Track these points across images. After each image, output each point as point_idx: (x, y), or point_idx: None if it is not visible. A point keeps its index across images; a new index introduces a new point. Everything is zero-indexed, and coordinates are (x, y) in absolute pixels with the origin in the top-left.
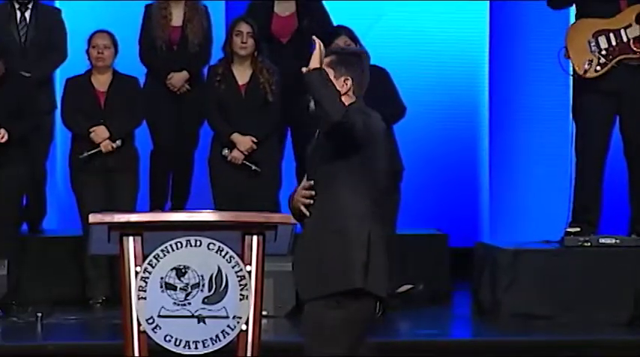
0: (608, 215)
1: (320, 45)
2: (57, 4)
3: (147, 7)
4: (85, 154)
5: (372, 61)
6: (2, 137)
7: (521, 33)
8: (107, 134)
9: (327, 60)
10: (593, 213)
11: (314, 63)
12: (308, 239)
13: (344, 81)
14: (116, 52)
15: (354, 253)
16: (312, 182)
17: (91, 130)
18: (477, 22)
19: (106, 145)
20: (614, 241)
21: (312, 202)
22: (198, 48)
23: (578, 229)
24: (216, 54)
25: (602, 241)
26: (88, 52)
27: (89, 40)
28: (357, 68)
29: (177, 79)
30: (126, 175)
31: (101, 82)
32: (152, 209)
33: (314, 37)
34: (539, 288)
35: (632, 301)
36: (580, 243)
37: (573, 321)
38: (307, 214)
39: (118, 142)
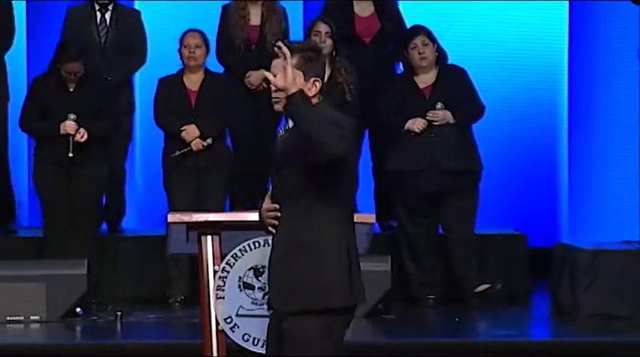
0: (621, 217)
1: (286, 54)
2: (136, 5)
3: (224, 7)
4: (177, 153)
5: (451, 61)
6: (82, 137)
7: (601, 32)
8: (198, 133)
9: (292, 62)
10: None
11: (288, 83)
12: (281, 252)
13: (313, 83)
14: (207, 51)
15: (336, 271)
16: (276, 205)
17: (181, 129)
18: (557, 21)
19: (197, 144)
20: None
21: (276, 223)
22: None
23: None
24: None
25: None
26: (179, 51)
27: (181, 40)
28: (321, 65)
29: (255, 77)
30: (216, 174)
31: (193, 81)
32: (232, 209)
33: (279, 43)
34: (619, 288)
35: None
36: None
37: None
38: (274, 231)
39: (209, 141)
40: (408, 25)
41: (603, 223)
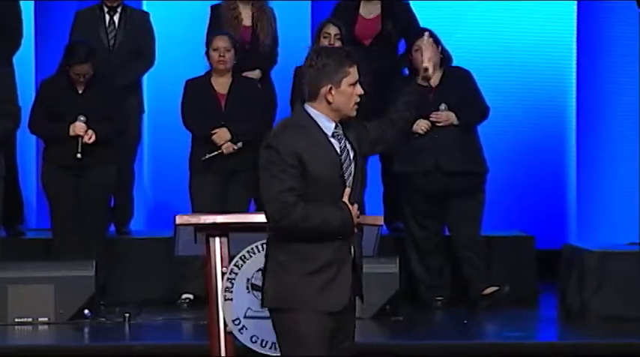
0: (622, 218)
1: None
2: (144, 6)
3: (213, 7)
4: (207, 156)
5: (459, 63)
6: (90, 138)
7: (609, 34)
8: (229, 136)
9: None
10: None
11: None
12: (360, 253)
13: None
14: (236, 54)
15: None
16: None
17: (212, 132)
18: (565, 23)
19: (228, 147)
20: None
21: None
22: (268, 48)
23: None
24: (300, 53)
25: None
26: (207, 54)
27: (209, 43)
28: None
29: (252, 77)
30: (243, 177)
31: (221, 84)
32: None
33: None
34: (627, 290)
35: None
36: None
37: None
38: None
39: (240, 144)
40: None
41: (611, 225)
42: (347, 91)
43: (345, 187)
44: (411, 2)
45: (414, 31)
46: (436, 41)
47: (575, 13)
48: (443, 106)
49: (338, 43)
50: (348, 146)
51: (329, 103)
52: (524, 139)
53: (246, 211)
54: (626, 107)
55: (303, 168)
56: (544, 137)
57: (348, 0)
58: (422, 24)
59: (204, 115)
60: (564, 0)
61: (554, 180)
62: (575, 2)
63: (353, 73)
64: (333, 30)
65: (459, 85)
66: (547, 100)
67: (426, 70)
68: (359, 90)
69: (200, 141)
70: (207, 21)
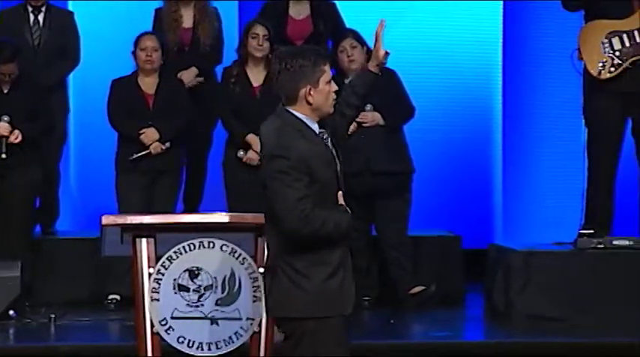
0: (621, 217)
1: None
2: (70, 5)
3: (157, 10)
4: (135, 156)
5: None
6: (16, 138)
7: (535, 33)
8: (157, 136)
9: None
10: (606, 215)
11: None
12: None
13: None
14: (162, 53)
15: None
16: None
17: (140, 132)
18: (491, 22)
19: (156, 147)
20: (627, 242)
21: None
22: (209, 49)
23: (591, 231)
24: (229, 54)
25: (615, 242)
26: (134, 54)
27: (136, 43)
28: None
29: (187, 75)
30: (170, 177)
31: (148, 84)
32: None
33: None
34: (552, 290)
35: None
36: (593, 245)
37: (586, 323)
38: None
39: (167, 144)
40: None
41: (537, 224)
42: (325, 89)
43: (338, 188)
44: (337, 3)
45: (339, 31)
46: (361, 41)
47: (501, 13)
48: (369, 107)
49: (266, 44)
50: (331, 146)
51: (309, 103)
52: (451, 138)
53: (173, 211)
54: (551, 107)
55: (311, 174)
56: (470, 137)
57: (277, 0)
58: (349, 24)
59: (131, 115)
60: (490, 0)
61: (481, 180)
62: (501, 2)
63: (327, 70)
64: (261, 30)
65: (384, 86)
66: (473, 100)
67: (387, 54)
68: (334, 86)
69: (127, 141)
70: (152, 23)
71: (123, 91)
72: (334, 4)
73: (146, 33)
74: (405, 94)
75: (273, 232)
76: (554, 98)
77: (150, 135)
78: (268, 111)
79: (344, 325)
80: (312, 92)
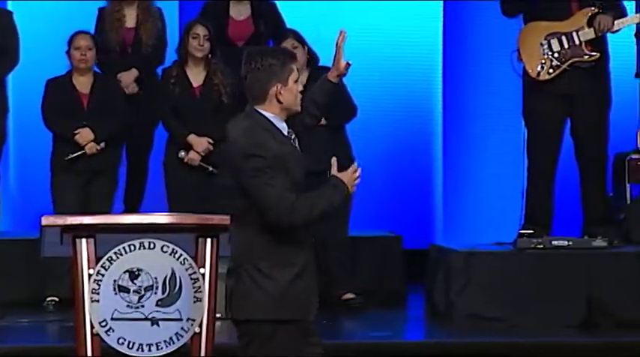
0: (560, 217)
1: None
2: (9, 5)
3: (100, 10)
4: (70, 156)
5: (325, 63)
6: None
7: (475, 33)
8: (92, 136)
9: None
10: (546, 215)
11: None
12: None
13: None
14: (96, 52)
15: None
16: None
17: (75, 132)
18: (431, 22)
19: (91, 148)
20: (566, 243)
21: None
22: (151, 49)
23: (531, 231)
24: (170, 55)
25: (554, 243)
26: (68, 53)
27: (70, 42)
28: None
29: (126, 77)
30: (106, 177)
31: (83, 83)
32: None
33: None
34: (493, 290)
35: (585, 302)
36: (532, 245)
37: (526, 323)
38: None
39: (102, 144)
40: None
41: (477, 225)
42: (294, 87)
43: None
44: (278, 2)
45: (280, 32)
46: (302, 42)
47: (442, 13)
48: None
49: (207, 44)
50: (297, 145)
51: (280, 102)
52: (391, 139)
53: (109, 211)
54: (492, 107)
55: (287, 173)
56: (411, 137)
57: (217, 0)
58: (290, 24)
59: (65, 115)
60: (430, 0)
61: (421, 180)
62: (442, 2)
63: (295, 69)
64: (201, 30)
65: None
66: (414, 100)
67: (348, 65)
68: (300, 85)
69: (62, 141)
70: (95, 23)
71: (57, 91)
72: (275, 5)
73: (80, 32)
74: (347, 94)
75: (239, 230)
76: (494, 98)
77: (84, 135)
78: (208, 111)
79: (304, 331)
80: (281, 91)
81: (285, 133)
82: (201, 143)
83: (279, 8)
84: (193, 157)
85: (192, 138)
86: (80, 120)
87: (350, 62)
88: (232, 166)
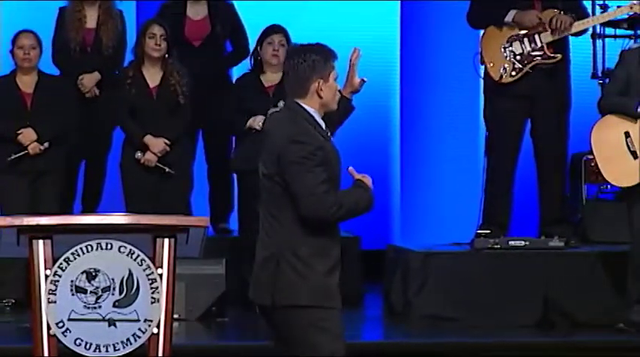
0: (519, 217)
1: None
2: None
3: (61, 9)
4: (13, 157)
5: None
6: None
7: (432, 33)
8: (35, 136)
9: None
10: (504, 215)
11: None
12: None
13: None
14: (41, 52)
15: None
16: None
17: (18, 132)
18: (388, 22)
19: (34, 148)
20: (523, 243)
21: None
22: (111, 51)
23: (488, 232)
24: (127, 56)
25: (511, 243)
26: (12, 52)
27: (14, 41)
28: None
29: (88, 79)
30: (52, 177)
31: (27, 83)
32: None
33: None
34: (450, 290)
35: (541, 302)
36: (490, 245)
37: (483, 323)
38: None
39: (46, 144)
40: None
41: (435, 225)
42: (333, 85)
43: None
44: (236, 3)
45: (238, 33)
46: (289, 43)
47: (399, 13)
48: (281, 104)
49: (164, 44)
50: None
51: (320, 97)
52: (349, 139)
53: (58, 211)
54: (449, 107)
55: (327, 164)
56: (368, 137)
57: (174, 0)
58: (247, 24)
59: (8, 115)
60: (388, 0)
61: (379, 180)
62: (399, 2)
63: (335, 67)
64: (158, 30)
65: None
66: (371, 100)
67: (363, 82)
68: (338, 83)
69: (4, 141)
70: (55, 22)
71: (0, 90)
72: (232, 5)
73: (24, 31)
74: None
75: (275, 219)
76: (451, 99)
77: (27, 135)
78: (165, 111)
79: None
80: (322, 87)
81: (324, 129)
82: (157, 144)
83: (236, 8)
84: (150, 158)
85: (148, 139)
86: (24, 120)
87: (365, 79)
88: (272, 154)
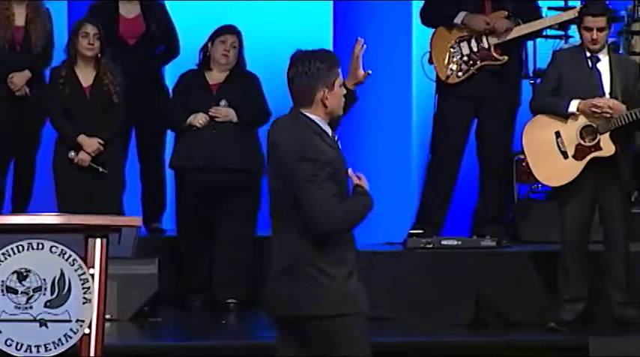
0: (455, 216)
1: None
2: None
3: None
4: None
5: None
6: None
7: (366, 33)
8: None
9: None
10: (440, 214)
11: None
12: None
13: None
14: None
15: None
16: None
17: None
18: (321, 22)
19: None
20: (455, 242)
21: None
22: (41, 49)
23: (421, 231)
24: (58, 55)
25: (444, 242)
26: None
27: None
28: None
29: (19, 78)
30: None
31: None
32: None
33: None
34: (384, 290)
35: (474, 302)
36: (422, 245)
37: (417, 322)
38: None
39: None
40: (176, 26)
41: (368, 225)
42: (338, 92)
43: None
44: (167, 3)
45: (170, 33)
46: (241, 45)
47: (331, 13)
48: (223, 103)
49: (97, 43)
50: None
51: (325, 106)
52: None
53: None
54: (383, 106)
55: (335, 176)
56: None
57: (104, 0)
58: (178, 24)
59: None
60: (320, 0)
61: None
62: (331, 2)
63: (340, 73)
64: (91, 29)
65: (242, 85)
66: None
67: (367, 74)
68: (343, 89)
69: None
70: None
71: None
72: (163, 5)
73: None
74: (262, 99)
75: (290, 232)
76: (385, 98)
77: None
78: (98, 111)
79: (365, 323)
80: (328, 96)
81: (330, 135)
82: (91, 144)
83: (167, 8)
84: (83, 157)
85: (82, 138)
86: None
87: (370, 72)
88: (281, 169)
